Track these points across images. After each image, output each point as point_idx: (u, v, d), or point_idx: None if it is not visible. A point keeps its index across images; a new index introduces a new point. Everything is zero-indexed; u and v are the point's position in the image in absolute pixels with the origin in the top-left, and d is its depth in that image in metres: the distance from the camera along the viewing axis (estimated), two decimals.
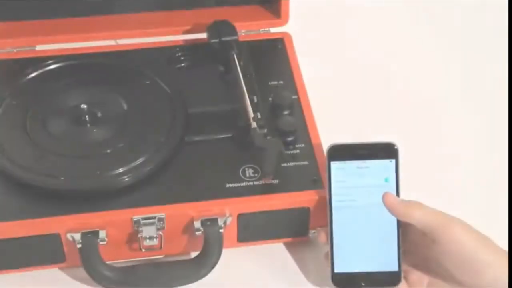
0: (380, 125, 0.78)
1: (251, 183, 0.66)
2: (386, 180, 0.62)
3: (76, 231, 0.62)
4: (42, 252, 0.64)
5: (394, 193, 0.61)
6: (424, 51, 0.84)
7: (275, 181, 0.66)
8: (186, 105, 0.71)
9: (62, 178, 0.65)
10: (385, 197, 0.60)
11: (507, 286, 0.56)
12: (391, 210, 0.60)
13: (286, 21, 0.79)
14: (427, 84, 0.82)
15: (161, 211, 0.63)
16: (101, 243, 0.62)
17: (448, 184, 0.73)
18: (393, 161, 0.62)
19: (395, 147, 0.62)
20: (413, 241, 0.62)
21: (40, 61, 0.75)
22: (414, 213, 0.58)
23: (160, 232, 0.64)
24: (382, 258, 0.61)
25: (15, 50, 0.76)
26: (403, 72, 0.83)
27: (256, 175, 0.66)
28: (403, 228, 0.62)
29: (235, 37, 0.76)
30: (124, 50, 0.78)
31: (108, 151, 0.67)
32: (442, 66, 0.82)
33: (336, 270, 0.61)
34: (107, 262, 0.63)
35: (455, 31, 0.84)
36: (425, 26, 0.86)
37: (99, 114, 0.70)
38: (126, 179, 0.65)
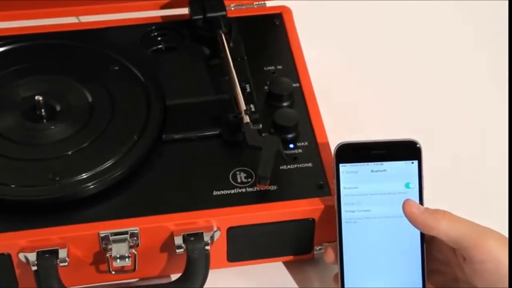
0: (398, 120, 0.79)
1: (244, 190, 0.66)
2: (407, 185, 0.62)
3: (30, 250, 0.62)
4: None
5: (417, 201, 0.61)
6: (431, 41, 0.87)
7: (273, 187, 0.66)
8: (164, 96, 0.71)
9: (13, 186, 0.65)
10: (405, 205, 0.60)
11: (507, 287, 0.56)
12: (413, 221, 0.60)
13: None
14: (438, 75, 0.84)
15: (134, 225, 0.63)
16: (61, 264, 0.62)
17: (482, 191, 0.74)
18: (415, 162, 0.62)
19: (418, 146, 0.62)
20: (440, 259, 0.62)
21: None
22: (440, 224, 0.58)
23: (133, 250, 0.63)
24: (403, 280, 0.61)
25: None
26: (419, 55, 0.85)
27: (249, 180, 0.66)
28: (428, 243, 0.62)
29: (223, 13, 0.76)
30: (88, 29, 0.77)
31: (69, 152, 0.67)
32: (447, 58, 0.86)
33: None
34: None
35: (456, 31, 0.88)
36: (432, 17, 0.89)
37: (58, 108, 0.70)
38: (92, 187, 0.65)
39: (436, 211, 0.59)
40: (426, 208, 0.60)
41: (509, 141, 0.77)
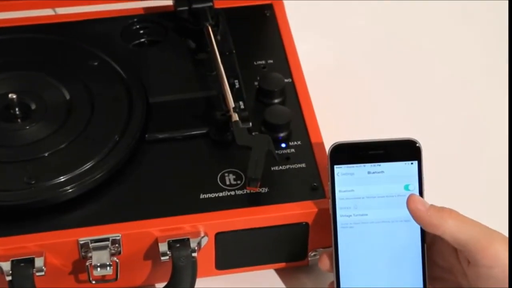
0: (397, 118, 0.79)
1: (233, 193, 0.65)
2: (406, 187, 0.62)
3: (4, 259, 0.61)
4: None
5: None
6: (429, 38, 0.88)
7: (264, 190, 0.66)
8: (147, 93, 0.71)
9: None
10: (409, 200, 0.59)
11: (507, 287, 0.56)
12: (417, 218, 0.59)
13: None
14: (437, 69, 0.85)
15: (115, 231, 0.63)
16: (38, 273, 0.62)
17: (482, 192, 0.74)
18: (415, 163, 0.62)
19: (417, 145, 0.62)
20: (442, 265, 0.62)
21: None
22: (446, 223, 0.58)
23: (115, 258, 0.63)
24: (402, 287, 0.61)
25: None
26: (418, 50, 0.85)
27: (238, 182, 0.66)
28: (429, 248, 0.62)
29: (209, 4, 0.76)
30: (65, 22, 0.77)
31: (46, 154, 0.66)
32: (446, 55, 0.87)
33: None
34: None
35: (455, 27, 0.89)
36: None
37: (33, 106, 0.69)
38: (70, 191, 0.64)
39: (443, 209, 0.59)
40: (432, 205, 0.59)
41: (509, 141, 0.78)
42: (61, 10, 0.79)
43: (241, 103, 0.69)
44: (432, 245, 0.62)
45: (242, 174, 0.66)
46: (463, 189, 0.74)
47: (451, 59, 0.85)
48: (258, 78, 0.72)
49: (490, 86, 0.83)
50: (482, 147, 0.78)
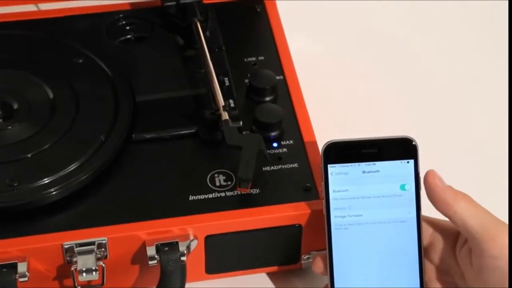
0: (392, 116, 0.79)
1: (223, 194, 0.65)
2: (402, 187, 0.62)
3: None
4: None
5: (413, 205, 0.61)
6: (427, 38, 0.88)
7: (255, 191, 0.66)
8: (134, 91, 0.71)
9: None
10: (428, 174, 0.60)
11: (507, 287, 0.57)
12: (432, 193, 0.60)
13: None
14: (435, 67, 0.85)
15: (101, 234, 0.63)
16: (21, 279, 0.61)
17: (482, 191, 0.74)
18: (411, 162, 0.62)
19: (413, 143, 0.62)
20: (439, 267, 0.62)
21: None
22: (458, 204, 0.59)
23: (101, 263, 0.63)
24: None
25: None
26: (414, 48, 0.86)
27: (229, 183, 0.66)
28: (426, 251, 0.62)
29: None
30: (48, 18, 0.77)
31: (29, 155, 0.66)
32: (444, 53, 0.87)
33: None
34: None
35: (455, 25, 0.90)
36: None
37: (15, 106, 0.69)
38: (54, 193, 0.64)
39: (458, 191, 0.60)
40: (449, 185, 0.60)
41: (509, 140, 0.78)
42: (44, 6, 0.79)
43: (231, 101, 0.70)
44: (429, 247, 0.62)
45: (232, 174, 0.66)
46: (461, 188, 0.74)
47: (449, 58, 0.85)
48: (249, 75, 0.72)
49: (489, 85, 0.84)
50: (481, 146, 0.78)
